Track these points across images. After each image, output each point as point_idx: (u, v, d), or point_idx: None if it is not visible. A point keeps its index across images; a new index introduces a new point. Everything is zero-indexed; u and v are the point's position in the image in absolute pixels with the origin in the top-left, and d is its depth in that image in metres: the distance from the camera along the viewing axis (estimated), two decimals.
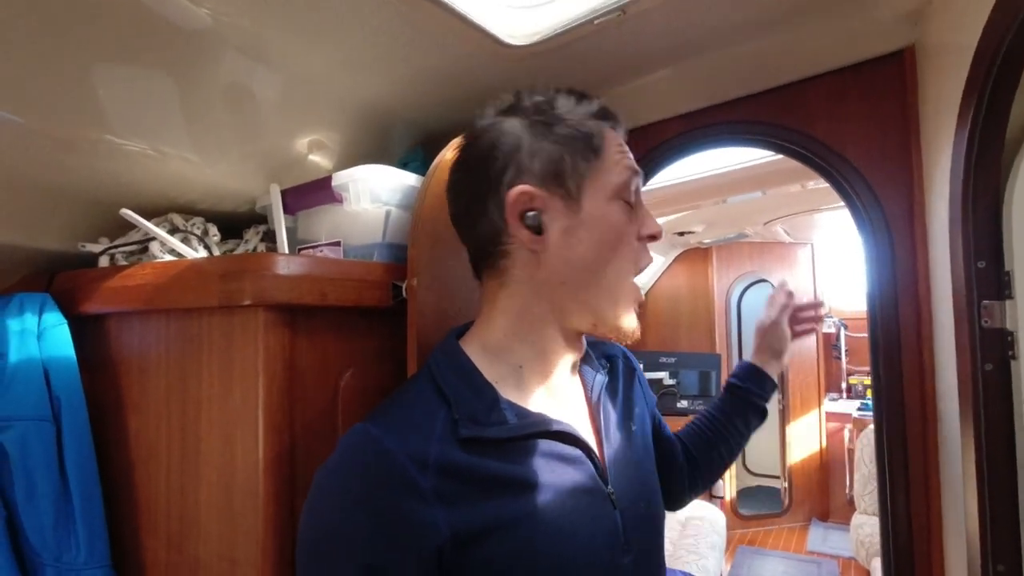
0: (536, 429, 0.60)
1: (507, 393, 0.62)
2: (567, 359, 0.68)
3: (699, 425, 0.93)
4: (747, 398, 0.93)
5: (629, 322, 0.64)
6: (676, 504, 0.90)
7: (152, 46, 0.73)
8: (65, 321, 0.85)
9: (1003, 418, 0.74)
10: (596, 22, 0.80)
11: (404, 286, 0.83)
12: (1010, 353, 0.73)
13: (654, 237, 0.65)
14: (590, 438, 0.66)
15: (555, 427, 0.61)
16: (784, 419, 4.21)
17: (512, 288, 0.64)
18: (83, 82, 0.73)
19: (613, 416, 0.72)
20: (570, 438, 0.62)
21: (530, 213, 0.61)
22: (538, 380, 0.65)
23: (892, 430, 0.96)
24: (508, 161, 0.61)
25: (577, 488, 0.60)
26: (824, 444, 4.14)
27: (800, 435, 4.15)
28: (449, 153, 0.87)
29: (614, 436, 0.69)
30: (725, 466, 0.94)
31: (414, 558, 0.51)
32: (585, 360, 0.73)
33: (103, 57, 0.72)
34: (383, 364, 0.86)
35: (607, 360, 0.78)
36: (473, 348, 0.65)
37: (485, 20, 0.78)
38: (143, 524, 0.82)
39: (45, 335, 0.82)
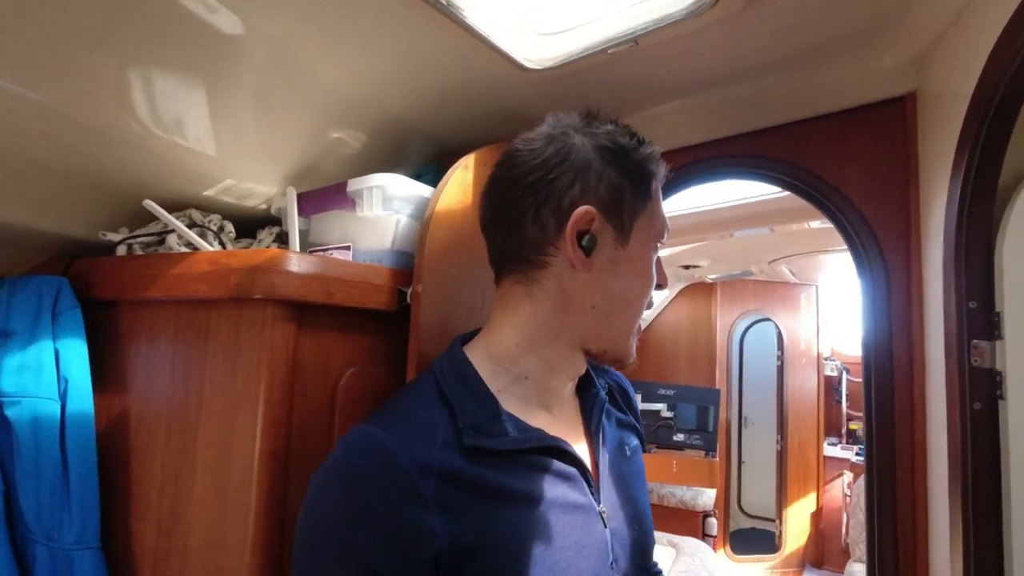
0: (536, 444, 0.61)
1: (508, 405, 0.63)
2: (569, 377, 0.69)
3: None
4: None
5: (633, 351, 0.69)
6: None
7: (186, 44, 0.76)
8: (79, 305, 0.87)
9: (990, 456, 0.74)
10: (610, 51, 0.84)
11: (409, 292, 0.85)
12: (998, 393, 0.75)
13: (661, 286, 0.69)
14: (585, 456, 0.66)
15: (553, 443, 0.62)
16: (781, 461, 4.16)
17: (539, 298, 0.64)
18: (117, 72, 0.75)
19: (609, 437, 0.73)
20: (566, 455, 0.63)
21: (586, 234, 0.62)
22: (540, 394, 0.66)
23: (882, 469, 0.96)
24: (576, 176, 0.61)
25: (571, 505, 0.61)
26: (821, 489, 4.08)
27: (797, 478, 4.10)
28: (460, 169, 0.90)
29: (609, 456, 0.70)
30: None
31: (413, 564, 0.52)
32: (585, 381, 0.74)
33: (138, 49, 0.74)
34: (383, 367, 0.87)
35: (607, 385, 0.79)
36: (478, 356, 0.66)
37: (506, 43, 0.82)
38: (135, 508, 0.83)
39: (59, 317, 0.85)
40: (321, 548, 0.53)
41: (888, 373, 0.96)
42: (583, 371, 0.72)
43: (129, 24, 0.70)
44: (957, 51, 0.82)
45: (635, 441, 0.79)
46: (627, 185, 0.63)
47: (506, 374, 0.65)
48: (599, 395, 0.74)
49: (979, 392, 0.76)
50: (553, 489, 0.60)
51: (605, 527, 0.64)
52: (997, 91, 0.71)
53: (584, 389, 0.74)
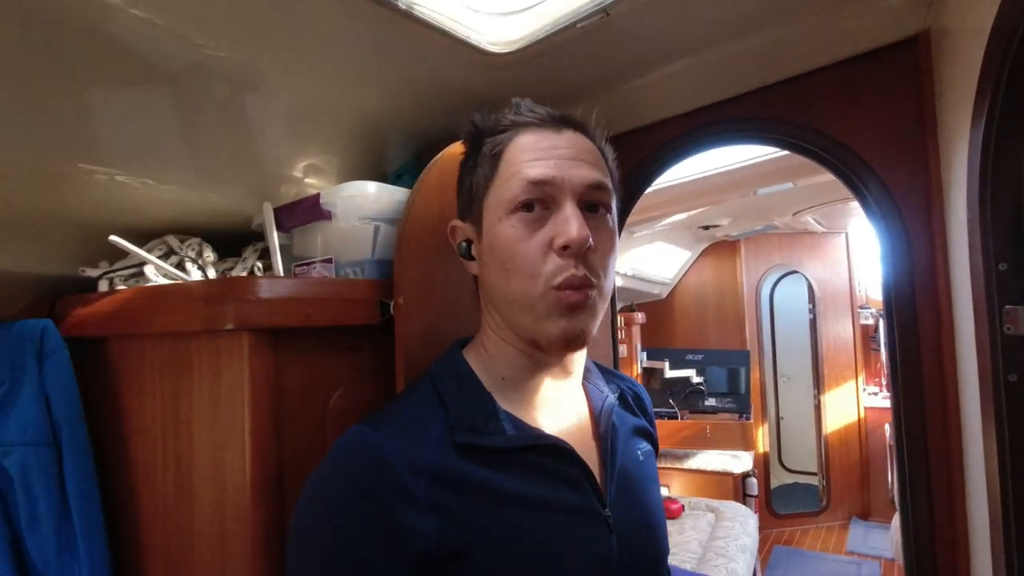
0: (533, 443, 0.60)
1: (506, 405, 0.62)
2: (552, 374, 0.66)
3: None
4: None
5: (549, 331, 0.59)
6: None
7: (147, 80, 0.75)
8: (65, 346, 0.86)
9: None
10: (579, 26, 0.77)
11: (392, 304, 0.81)
12: None
13: (566, 247, 0.57)
14: (592, 459, 0.64)
15: (552, 443, 0.60)
16: (819, 414, 4.07)
17: (481, 303, 0.68)
18: (80, 117, 0.75)
19: (620, 442, 0.70)
20: (568, 456, 0.61)
21: (463, 244, 0.66)
22: (531, 394, 0.65)
23: (912, 436, 0.90)
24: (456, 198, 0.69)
25: (571, 508, 0.59)
26: (864, 439, 3.98)
27: (838, 430, 4.01)
28: (435, 168, 0.85)
29: (619, 460, 0.68)
30: None
31: (401, 564, 0.51)
32: (591, 382, 0.72)
33: (99, 92, 0.74)
34: (373, 382, 0.84)
35: (618, 389, 0.77)
36: (472, 358, 0.66)
37: (462, 30, 0.76)
38: (143, 545, 0.83)
39: (46, 361, 0.84)
40: (311, 546, 0.53)
41: (914, 339, 0.89)
42: (570, 368, 0.68)
43: (89, 67, 0.69)
44: None
45: (647, 446, 0.76)
46: (475, 178, 0.64)
47: (496, 376, 0.64)
48: (608, 398, 0.71)
49: (1015, 362, 0.69)
50: (552, 491, 0.59)
51: (611, 533, 0.61)
52: (1019, 23, 0.62)
53: (593, 393, 0.72)
